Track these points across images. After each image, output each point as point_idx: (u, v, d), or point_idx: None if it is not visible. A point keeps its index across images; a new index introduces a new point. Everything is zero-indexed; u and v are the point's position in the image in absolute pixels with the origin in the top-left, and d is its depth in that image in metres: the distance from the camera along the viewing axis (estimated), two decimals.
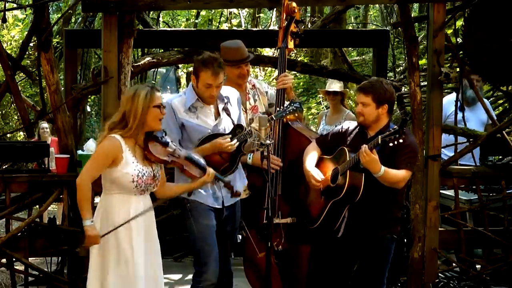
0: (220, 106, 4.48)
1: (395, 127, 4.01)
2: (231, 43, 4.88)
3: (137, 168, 3.87)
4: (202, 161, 4.10)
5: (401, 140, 3.92)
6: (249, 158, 4.71)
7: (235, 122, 4.50)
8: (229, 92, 4.55)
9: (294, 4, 4.85)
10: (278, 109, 4.69)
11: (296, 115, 4.83)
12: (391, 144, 3.94)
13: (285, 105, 4.66)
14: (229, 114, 4.50)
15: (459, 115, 6.24)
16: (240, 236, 4.90)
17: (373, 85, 4.27)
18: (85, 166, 3.92)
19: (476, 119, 6.40)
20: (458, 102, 6.30)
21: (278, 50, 4.93)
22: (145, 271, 3.89)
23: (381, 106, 4.22)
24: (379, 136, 3.99)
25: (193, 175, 4.06)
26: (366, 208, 4.24)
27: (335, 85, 6.91)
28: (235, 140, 4.34)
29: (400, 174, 4.12)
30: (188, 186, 4.16)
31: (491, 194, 5.86)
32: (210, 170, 4.07)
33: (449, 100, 6.47)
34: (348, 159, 4.19)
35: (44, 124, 8.52)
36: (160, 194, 4.09)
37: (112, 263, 3.86)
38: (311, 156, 4.48)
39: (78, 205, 3.90)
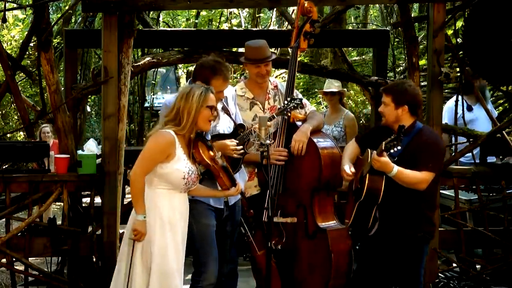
0: (219, 106, 4.49)
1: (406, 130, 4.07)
2: (254, 42, 4.91)
3: (187, 165, 3.93)
4: (233, 174, 4.18)
5: (399, 147, 3.98)
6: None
7: (236, 121, 4.50)
8: (225, 91, 4.56)
9: (308, 4, 4.83)
10: (279, 106, 4.69)
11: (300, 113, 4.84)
12: (392, 151, 4.00)
13: (285, 103, 4.66)
14: (228, 114, 4.51)
15: (468, 115, 6.26)
16: (244, 232, 4.89)
17: (395, 85, 4.38)
18: (138, 160, 3.93)
19: (485, 117, 6.35)
20: (465, 102, 6.32)
21: (290, 49, 4.93)
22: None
23: (400, 107, 4.29)
24: (383, 142, 4.04)
25: (225, 184, 4.13)
26: (396, 209, 4.28)
27: (332, 85, 6.92)
28: (240, 146, 4.35)
29: (417, 175, 4.15)
30: (214, 193, 4.26)
31: (491, 194, 5.86)
32: (239, 186, 4.17)
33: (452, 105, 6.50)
34: (368, 161, 4.25)
35: (46, 128, 8.47)
36: (190, 192, 4.13)
37: (154, 264, 3.89)
38: (346, 152, 4.56)
39: (132, 200, 3.95)
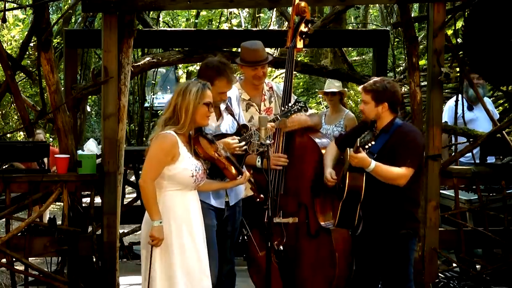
0: (222, 107, 4.49)
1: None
2: (251, 43, 4.88)
3: (193, 163, 3.91)
4: (237, 163, 4.17)
5: (373, 142, 4.05)
6: (258, 161, 4.70)
7: (239, 122, 4.51)
8: (229, 91, 4.55)
9: (304, 4, 4.83)
10: (283, 108, 4.69)
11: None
12: (366, 146, 4.05)
13: (289, 105, 4.67)
14: (232, 114, 4.51)
15: (468, 115, 6.25)
16: (246, 233, 4.89)
17: (374, 83, 4.37)
18: (145, 166, 3.90)
19: (485, 117, 6.36)
20: (465, 102, 6.31)
21: (287, 49, 4.93)
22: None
23: (380, 104, 4.29)
24: (358, 139, 4.09)
25: (232, 174, 4.12)
26: (377, 206, 4.29)
27: (333, 85, 6.92)
28: (243, 142, 4.35)
29: (395, 170, 4.17)
30: (223, 185, 4.25)
31: (491, 194, 5.86)
32: (246, 173, 4.16)
33: (453, 104, 6.50)
34: (347, 159, 4.26)
35: (40, 135, 8.45)
36: (200, 188, 4.12)
37: (178, 267, 3.87)
38: (327, 156, 4.58)
39: (145, 207, 3.91)
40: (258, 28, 13.25)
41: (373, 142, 4.06)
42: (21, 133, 11.39)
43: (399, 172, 4.17)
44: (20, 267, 5.72)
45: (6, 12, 6.08)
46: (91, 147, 6.16)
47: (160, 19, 14.16)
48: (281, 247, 4.64)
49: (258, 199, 4.33)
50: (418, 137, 4.39)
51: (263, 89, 5.01)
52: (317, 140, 4.75)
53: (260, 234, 4.71)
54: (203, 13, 15.17)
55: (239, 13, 14.15)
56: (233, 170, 4.12)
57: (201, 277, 3.92)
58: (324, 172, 4.49)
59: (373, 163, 4.12)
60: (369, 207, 4.30)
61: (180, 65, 15.77)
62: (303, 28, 4.84)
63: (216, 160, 4.05)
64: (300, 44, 4.86)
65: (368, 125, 4.34)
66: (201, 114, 3.91)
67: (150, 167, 3.88)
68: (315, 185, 4.69)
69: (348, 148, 4.26)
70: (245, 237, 4.72)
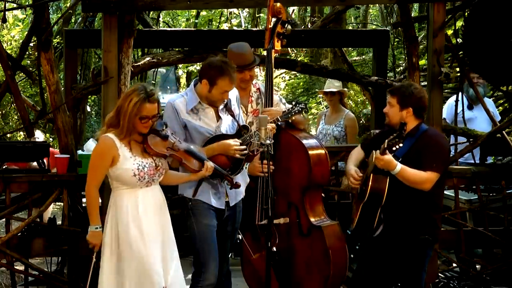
0: (221, 107, 4.49)
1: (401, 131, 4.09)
2: (238, 47, 4.87)
3: (135, 162, 3.92)
4: (201, 154, 4.13)
5: (401, 144, 4.03)
6: (245, 167, 4.71)
7: (239, 123, 4.51)
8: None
9: (279, 5, 4.84)
10: (284, 110, 4.70)
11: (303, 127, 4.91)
12: (394, 148, 4.04)
13: (290, 107, 4.68)
14: (232, 115, 4.51)
15: (468, 114, 6.25)
16: (240, 237, 4.91)
17: (400, 87, 4.39)
18: (88, 174, 4.00)
19: (484, 117, 6.37)
20: (465, 101, 6.31)
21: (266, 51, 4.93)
22: (161, 264, 3.97)
23: (405, 108, 4.30)
24: (386, 140, 4.07)
25: (192, 168, 4.11)
26: (400, 210, 4.28)
27: (333, 85, 6.92)
28: (244, 147, 4.35)
29: (421, 174, 4.17)
30: (188, 177, 4.23)
31: (491, 194, 5.86)
32: (209, 164, 4.12)
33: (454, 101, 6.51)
34: (372, 161, 4.26)
35: (39, 138, 8.42)
36: (162, 182, 4.14)
37: (126, 262, 3.92)
38: (352, 157, 4.60)
39: (87, 211, 4.02)
40: (258, 28, 13.24)
41: (401, 144, 4.03)
42: (21, 133, 11.38)
43: (425, 176, 4.17)
44: (20, 267, 5.72)
45: (6, 12, 6.08)
46: (91, 147, 6.15)
47: (160, 19, 14.12)
48: (274, 248, 4.64)
49: (233, 187, 4.31)
50: (444, 143, 4.41)
51: (250, 91, 5.01)
52: (303, 141, 4.75)
53: (252, 237, 4.72)
54: (203, 13, 15.15)
55: (239, 13, 14.14)
56: (194, 163, 4.09)
57: (150, 273, 3.92)
58: (349, 171, 4.49)
59: (399, 166, 4.12)
60: (391, 211, 4.29)
61: (180, 65, 15.77)
62: (279, 29, 4.85)
63: (169, 156, 4.05)
64: (278, 45, 4.87)
65: (397, 128, 4.31)
66: (137, 125, 3.92)
67: (90, 172, 4.00)
68: (304, 184, 4.69)
69: (374, 150, 4.26)
70: (237, 240, 4.72)
